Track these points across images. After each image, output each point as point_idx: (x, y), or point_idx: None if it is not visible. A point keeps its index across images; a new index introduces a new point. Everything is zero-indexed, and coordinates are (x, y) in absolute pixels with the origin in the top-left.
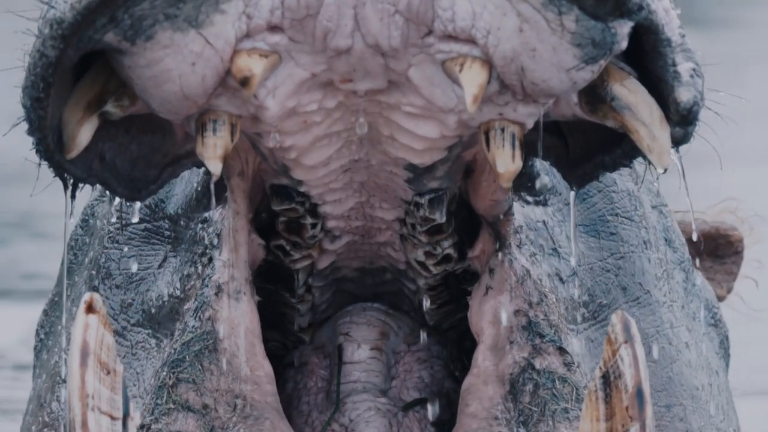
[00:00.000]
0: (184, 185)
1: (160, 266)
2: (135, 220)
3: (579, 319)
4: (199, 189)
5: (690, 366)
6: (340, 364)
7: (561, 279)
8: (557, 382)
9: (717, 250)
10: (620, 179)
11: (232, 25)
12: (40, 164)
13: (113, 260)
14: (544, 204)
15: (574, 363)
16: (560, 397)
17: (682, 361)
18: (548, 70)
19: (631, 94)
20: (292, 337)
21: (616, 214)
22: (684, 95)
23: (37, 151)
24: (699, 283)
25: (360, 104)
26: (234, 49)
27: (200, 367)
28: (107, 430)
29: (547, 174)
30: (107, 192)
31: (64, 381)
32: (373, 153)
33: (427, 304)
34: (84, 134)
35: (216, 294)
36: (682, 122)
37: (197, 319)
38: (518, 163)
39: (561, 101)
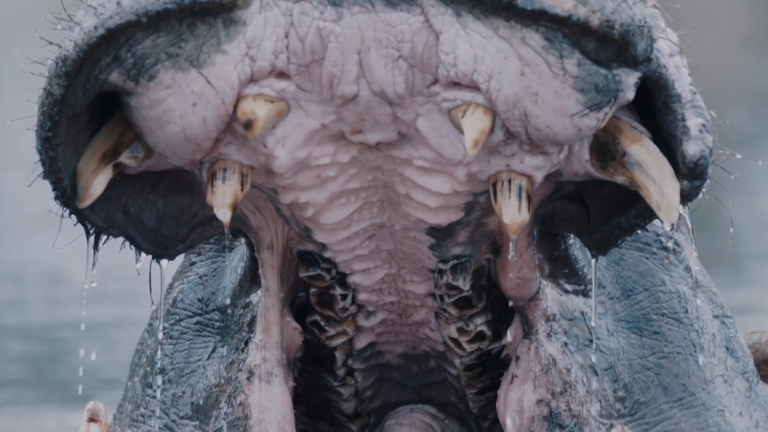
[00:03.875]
0: (233, 276)
1: (209, 357)
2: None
3: (614, 414)
4: (242, 274)
5: None
6: None
7: (595, 372)
8: None
9: None
10: (671, 281)
11: (234, 66)
12: (62, 215)
13: (166, 355)
14: (585, 294)
15: None
16: None
17: None
18: (551, 116)
19: (642, 151)
20: (342, 429)
21: (662, 314)
22: (691, 149)
23: (55, 198)
24: (765, 394)
25: (374, 160)
26: (239, 94)
27: None
28: None
29: (589, 264)
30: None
31: None
32: (395, 217)
33: (465, 384)
34: (97, 185)
35: (248, 378)
36: (690, 176)
37: (230, 405)
38: (524, 215)
39: (572, 158)
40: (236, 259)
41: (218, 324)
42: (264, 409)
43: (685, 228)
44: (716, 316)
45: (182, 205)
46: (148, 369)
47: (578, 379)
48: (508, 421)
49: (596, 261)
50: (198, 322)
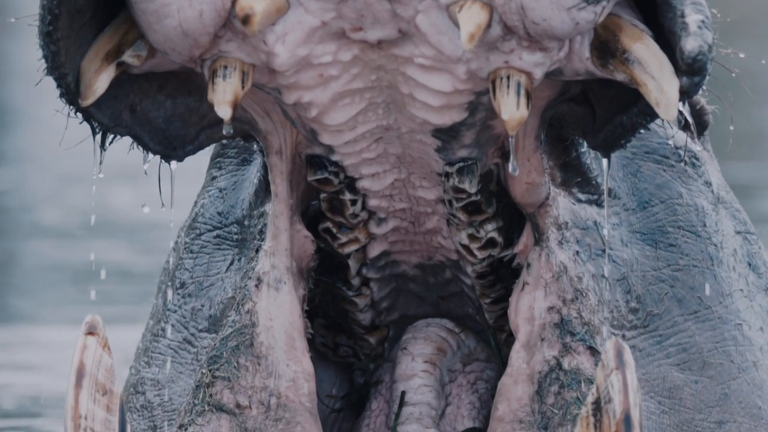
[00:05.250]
0: (251, 188)
1: (227, 270)
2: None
3: (626, 325)
4: (257, 183)
5: (754, 385)
6: (401, 408)
7: (608, 281)
8: (583, 384)
9: None
10: (689, 194)
11: None
12: (69, 114)
13: (187, 269)
14: (599, 204)
15: None
16: (584, 401)
17: (744, 380)
18: (548, 9)
19: (642, 49)
20: (361, 342)
21: (679, 227)
22: (690, 44)
23: (60, 95)
24: None
25: (376, 59)
26: None
27: (236, 364)
28: None
29: (601, 175)
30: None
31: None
32: (401, 119)
33: (480, 294)
34: (100, 83)
35: (256, 285)
36: (688, 72)
37: (237, 312)
38: (522, 111)
39: (573, 56)
40: (254, 172)
41: (237, 236)
42: (272, 316)
43: (691, 132)
44: (738, 232)
45: (190, 106)
46: (169, 283)
47: (590, 288)
48: (520, 328)
49: (608, 163)
50: (217, 236)
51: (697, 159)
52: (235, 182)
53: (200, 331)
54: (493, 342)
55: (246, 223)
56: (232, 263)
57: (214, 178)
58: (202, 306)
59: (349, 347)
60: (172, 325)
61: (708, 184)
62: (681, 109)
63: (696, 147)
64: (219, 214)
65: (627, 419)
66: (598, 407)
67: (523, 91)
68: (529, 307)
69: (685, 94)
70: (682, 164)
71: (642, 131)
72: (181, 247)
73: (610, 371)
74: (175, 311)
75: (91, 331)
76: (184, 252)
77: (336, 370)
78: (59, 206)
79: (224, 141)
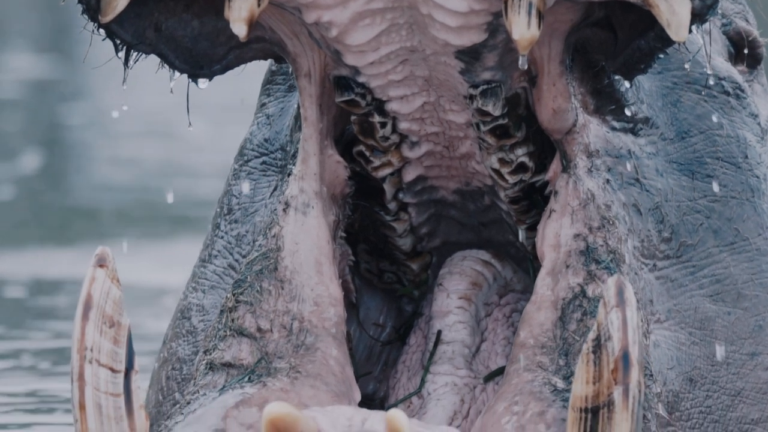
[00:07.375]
0: (294, 113)
1: (270, 196)
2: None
3: (658, 254)
4: (296, 108)
5: None
6: (435, 348)
7: (639, 211)
8: None
9: None
10: (730, 125)
11: None
12: (92, 31)
13: (234, 196)
14: (634, 133)
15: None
16: None
17: None
18: None
19: None
20: (404, 268)
21: (718, 158)
22: None
23: (82, 12)
24: None
25: None
26: None
27: (259, 288)
28: (106, 383)
29: (642, 103)
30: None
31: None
32: (425, 41)
33: (516, 220)
34: (121, 0)
35: (284, 209)
36: None
37: (264, 236)
38: (534, 31)
39: None
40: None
41: (281, 162)
42: (298, 240)
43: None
44: None
45: (218, 26)
46: (218, 210)
47: (618, 217)
48: (545, 255)
49: (631, 85)
50: (263, 162)
51: (742, 90)
52: (282, 108)
53: (243, 257)
54: (532, 270)
55: (288, 148)
56: (275, 189)
57: (263, 104)
58: (247, 232)
59: (393, 273)
60: (219, 251)
61: (753, 116)
62: (695, 31)
63: (738, 77)
64: (266, 140)
65: (625, 357)
66: (598, 344)
67: (534, 11)
68: (555, 234)
69: (698, 17)
70: (725, 95)
71: (661, 56)
72: (230, 173)
73: (610, 308)
74: (222, 237)
75: (100, 263)
76: (233, 178)
77: (383, 298)
78: None
79: (273, 68)
